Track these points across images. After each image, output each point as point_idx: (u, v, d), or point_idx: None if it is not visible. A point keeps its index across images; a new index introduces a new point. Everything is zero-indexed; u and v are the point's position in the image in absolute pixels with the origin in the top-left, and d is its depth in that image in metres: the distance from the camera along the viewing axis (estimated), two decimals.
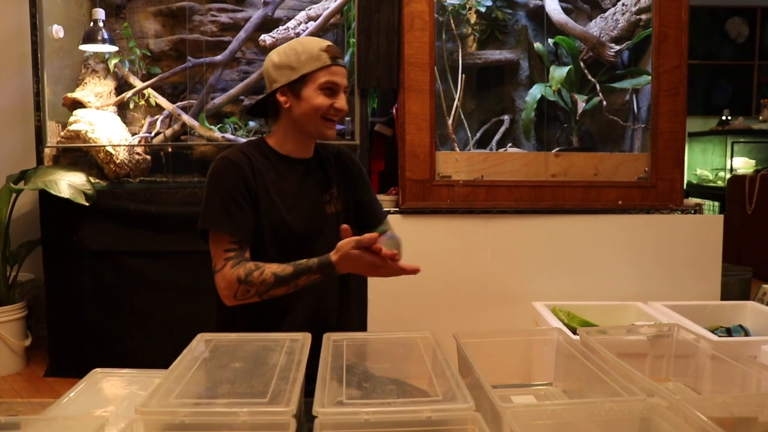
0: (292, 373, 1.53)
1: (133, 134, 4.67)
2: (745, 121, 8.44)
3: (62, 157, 4.57)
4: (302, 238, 2.27)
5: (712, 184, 8.27)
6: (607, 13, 4.38)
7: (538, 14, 4.39)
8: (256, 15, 4.63)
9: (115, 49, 4.58)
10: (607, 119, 4.41)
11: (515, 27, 4.45)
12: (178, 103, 4.66)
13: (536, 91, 4.40)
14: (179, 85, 4.76)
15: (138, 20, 4.74)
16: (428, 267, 4.01)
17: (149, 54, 4.73)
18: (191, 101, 4.67)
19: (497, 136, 4.42)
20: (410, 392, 1.72)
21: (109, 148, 4.41)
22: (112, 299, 4.38)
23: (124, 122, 4.68)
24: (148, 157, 4.66)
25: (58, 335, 4.49)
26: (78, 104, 4.53)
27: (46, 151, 4.49)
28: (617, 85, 4.41)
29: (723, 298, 4.18)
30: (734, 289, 4.62)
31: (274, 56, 2.31)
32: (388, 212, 2.72)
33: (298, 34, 4.52)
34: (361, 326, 3.97)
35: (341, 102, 2.30)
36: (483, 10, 4.34)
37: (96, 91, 4.60)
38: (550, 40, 4.40)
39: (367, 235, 2.06)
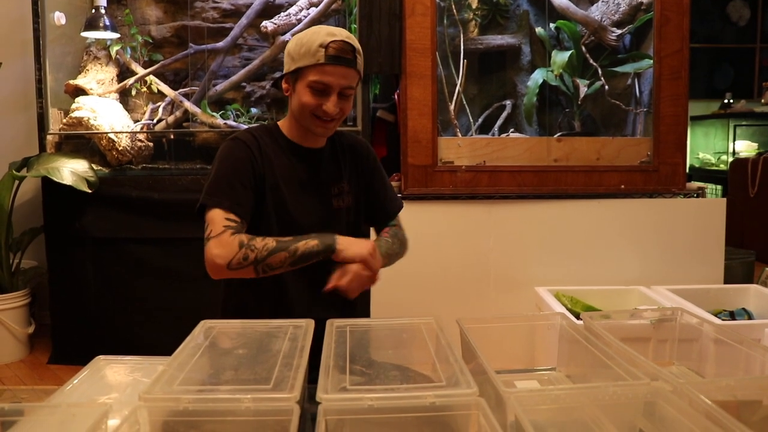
0: (295, 359, 1.53)
1: (135, 121, 4.67)
2: (748, 104, 8.42)
3: (64, 144, 4.57)
4: (305, 229, 2.21)
5: (714, 168, 8.26)
6: None
7: None
8: (257, 1, 4.63)
9: (116, 35, 4.58)
10: (609, 103, 4.40)
11: (516, 12, 4.44)
12: (180, 90, 4.66)
13: (538, 76, 4.40)
14: (181, 71, 4.76)
15: (140, 7, 4.74)
16: (431, 253, 4.04)
17: (151, 41, 4.73)
18: (193, 88, 4.67)
19: (499, 122, 4.42)
20: (414, 378, 1.72)
21: (112, 135, 4.41)
22: (115, 286, 4.39)
23: (126, 109, 4.68)
24: (151, 144, 4.66)
25: (62, 322, 4.50)
26: (80, 91, 4.53)
27: (49, 138, 4.50)
28: (619, 69, 4.40)
29: (726, 282, 4.18)
30: (737, 272, 4.61)
31: (291, 41, 2.26)
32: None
33: (299, 20, 4.51)
34: (364, 312, 3.97)
35: (329, 105, 2.20)
36: None
37: (98, 78, 4.60)
38: (552, 25, 4.39)
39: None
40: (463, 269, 4.11)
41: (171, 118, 4.64)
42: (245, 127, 4.42)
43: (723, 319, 3.48)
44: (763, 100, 8.41)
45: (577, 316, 3.11)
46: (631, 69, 4.38)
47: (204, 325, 1.82)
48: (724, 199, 4.28)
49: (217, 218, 2.14)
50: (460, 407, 1.36)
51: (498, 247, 4.11)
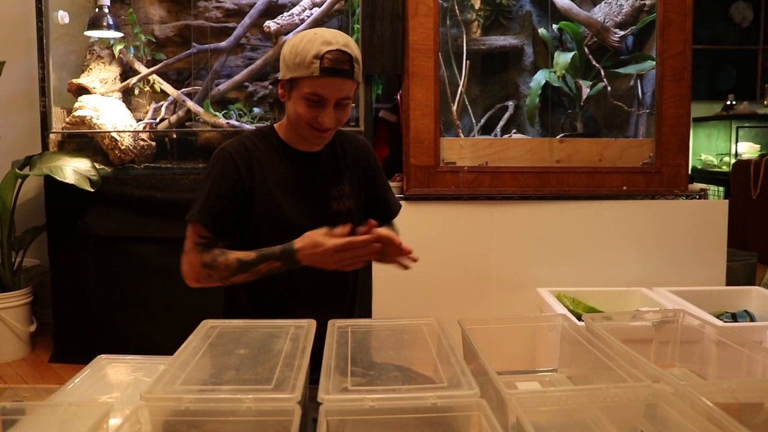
0: (296, 359, 1.53)
1: (138, 120, 4.68)
2: (750, 105, 8.40)
3: (67, 142, 4.58)
4: (303, 233, 2.18)
5: (716, 169, 8.24)
6: None
7: (542, 0, 4.38)
8: (260, 1, 4.63)
9: (120, 35, 4.59)
10: (611, 105, 4.40)
11: (519, 12, 4.44)
12: (183, 90, 4.67)
13: (540, 77, 4.40)
14: (184, 71, 4.76)
15: (143, 6, 4.74)
16: (432, 253, 4.04)
17: (154, 40, 4.74)
18: (196, 87, 4.67)
19: (501, 122, 4.42)
20: (415, 379, 1.72)
21: (114, 134, 4.42)
22: (117, 285, 4.40)
23: (129, 108, 4.69)
24: (153, 143, 4.66)
25: (63, 321, 4.51)
26: (83, 90, 4.53)
27: (52, 136, 4.50)
28: (622, 70, 4.40)
29: (728, 284, 4.17)
30: (739, 274, 4.61)
31: (285, 45, 2.21)
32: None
33: (302, 20, 4.51)
34: (366, 313, 3.97)
35: (324, 117, 2.15)
36: None
37: (101, 77, 4.60)
38: (555, 26, 4.39)
39: (339, 230, 2.08)
40: (464, 270, 4.11)
41: (173, 118, 4.65)
42: (248, 126, 4.44)
43: (725, 321, 3.48)
44: (765, 102, 8.40)
45: (579, 318, 3.11)
46: (633, 70, 4.38)
47: (205, 324, 1.82)
48: (727, 200, 4.28)
49: (191, 234, 2.25)
50: (461, 408, 1.36)
51: (500, 248, 4.11)
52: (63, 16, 4.54)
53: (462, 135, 4.27)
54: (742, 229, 6.86)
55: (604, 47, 4.40)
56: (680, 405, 1.34)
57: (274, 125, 2.38)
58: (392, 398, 1.37)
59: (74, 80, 4.56)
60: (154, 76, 4.67)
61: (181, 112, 4.65)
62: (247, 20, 4.63)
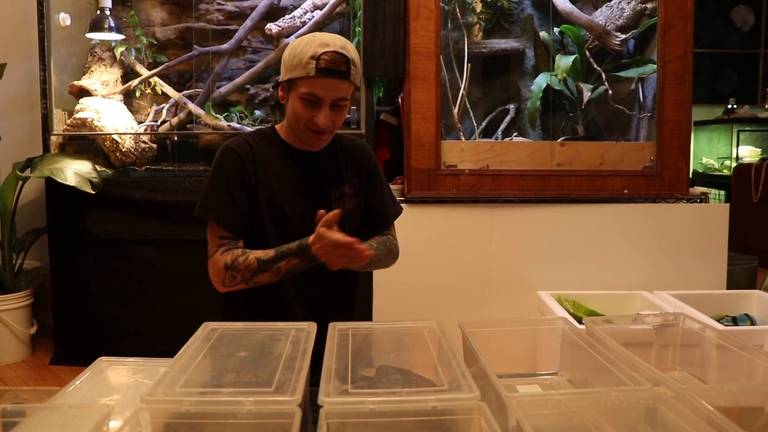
0: (297, 362, 1.54)
1: (139, 122, 4.68)
2: (751, 109, 8.41)
3: (68, 145, 4.58)
4: (304, 233, 2.17)
5: (717, 173, 8.25)
6: (612, 2, 4.37)
7: (544, 3, 4.38)
8: (262, 4, 4.64)
9: (121, 37, 4.59)
10: (612, 108, 4.40)
11: (521, 16, 4.44)
12: (184, 92, 4.67)
13: (542, 80, 4.39)
14: (185, 73, 4.76)
15: (144, 8, 4.75)
16: (433, 256, 4.04)
17: (155, 42, 4.74)
18: (197, 90, 4.68)
19: (503, 125, 4.42)
20: (416, 381, 1.72)
21: (115, 137, 4.42)
22: (118, 287, 4.40)
23: (130, 110, 4.69)
24: (154, 145, 4.67)
25: (64, 323, 4.51)
26: (84, 92, 4.54)
27: (53, 138, 4.50)
28: (623, 74, 4.40)
29: (729, 287, 4.17)
30: (740, 278, 4.61)
31: (286, 49, 2.23)
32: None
33: (304, 23, 4.52)
34: (366, 315, 3.97)
35: (320, 117, 2.17)
36: None
37: (102, 79, 4.61)
38: (556, 29, 4.39)
39: (331, 213, 2.06)
40: (465, 273, 4.11)
41: (175, 120, 4.66)
42: (249, 129, 4.43)
43: (725, 325, 3.47)
44: (766, 106, 8.40)
45: (580, 321, 3.11)
46: (634, 74, 4.38)
47: (206, 327, 1.82)
48: (727, 204, 4.28)
49: (211, 236, 2.24)
50: (461, 411, 1.37)
51: (500, 251, 4.11)
52: (64, 19, 4.54)
53: (463, 138, 4.27)
54: (743, 232, 6.86)
55: (606, 51, 4.40)
56: (681, 408, 1.34)
57: (276, 126, 2.40)
58: (393, 401, 1.37)
59: (75, 82, 4.56)
60: (156, 79, 4.68)
61: (182, 115, 4.65)
62: (248, 23, 4.64)
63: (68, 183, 4.13)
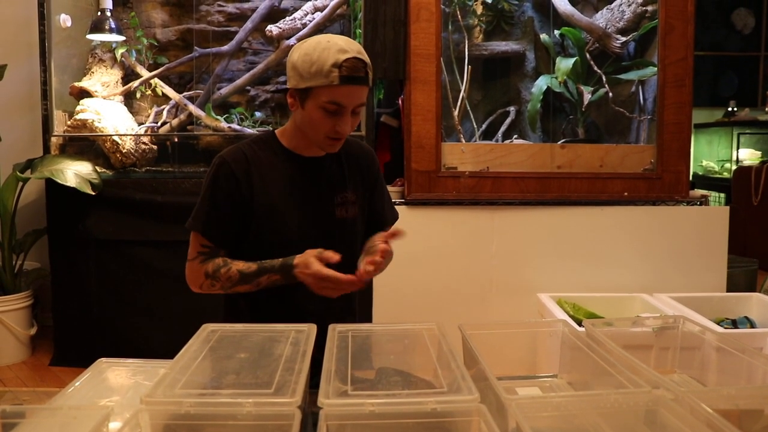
0: (297, 364, 1.54)
1: (140, 124, 4.68)
2: (752, 112, 8.41)
3: (69, 146, 4.58)
4: (307, 240, 2.19)
5: (717, 176, 8.25)
6: (613, 5, 4.37)
7: (545, 5, 4.38)
8: (262, 5, 4.64)
9: (122, 38, 4.59)
10: (612, 111, 4.40)
11: (521, 18, 4.44)
12: (185, 93, 4.67)
13: (542, 83, 4.40)
14: (186, 74, 4.77)
15: (145, 10, 4.75)
16: (433, 258, 4.04)
17: (156, 44, 4.74)
18: (198, 91, 4.68)
19: (503, 128, 4.42)
20: (415, 384, 1.72)
21: (116, 138, 4.42)
22: (118, 288, 4.40)
23: (131, 112, 4.70)
24: (155, 146, 4.67)
25: (64, 324, 4.51)
26: (85, 93, 4.54)
27: (53, 140, 4.50)
28: (623, 76, 4.40)
29: (729, 290, 4.17)
30: (740, 280, 4.61)
31: (294, 54, 2.15)
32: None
33: (304, 25, 4.52)
34: (366, 317, 3.97)
35: (342, 125, 2.14)
36: (489, 1, 4.33)
37: (103, 80, 4.61)
38: (557, 32, 4.39)
39: (330, 253, 2.06)
40: (465, 275, 4.11)
41: (175, 121, 4.66)
42: (249, 131, 4.44)
43: (725, 328, 3.48)
44: (767, 109, 8.40)
45: (579, 323, 3.11)
46: (635, 76, 4.38)
47: (206, 328, 1.82)
48: (728, 207, 4.28)
49: (194, 243, 2.27)
50: (461, 413, 1.37)
51: (500, 253, 4.11)
52: (65, 20, 4.55)
53: (463, 140, 4.27)
54: (743, 235, 6.86)
55: (606, 53, 4.40)
56: (680, 411, 1.34)
57: (276, 131, 2.35)
58: (392, 403, 1.37)
59: (76, 83, 4.57)
60: (156, 80, 4.68)
61: (182, 116, 4.65)
62: (249, 24, 4.64)
63: (68, 184, 4.13)
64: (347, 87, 2.09)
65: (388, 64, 4.07)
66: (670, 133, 4.16)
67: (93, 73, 4.65)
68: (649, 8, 4.29)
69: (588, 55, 4.38)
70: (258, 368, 1.56)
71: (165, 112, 4.69)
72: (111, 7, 4.45)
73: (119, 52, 4.66)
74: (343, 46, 2.09)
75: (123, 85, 4.71)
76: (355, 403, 1.36)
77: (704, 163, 8.55)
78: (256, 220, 2.24)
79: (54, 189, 4.31)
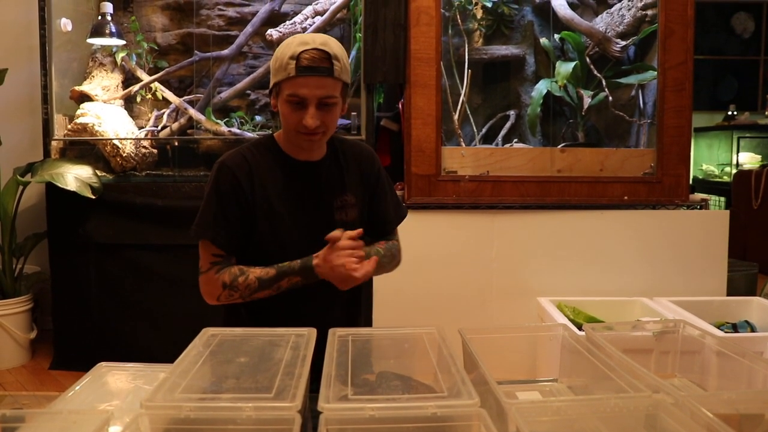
0: (297, 368, 1.53)
1: (140, 128, 4.68)
2: (751, 116, 8.41)
3: (69, 150, 4.58)
4: (306, 245, 2.19)
5: (717, 180, 8.25)
6: (613, 9, 4.37)
7: (545, 10, 4.38)
8: (263, 9, 4.64)
9: (122, 42, 4.60)
10: (612, 115, 4.40)
11: (521, 22, 4.44)
12: (185, 97, 4.67)
13: (542, 87, 4.40)
14: (186, 78, 4.77)
15: (145, 14, 4.75)
16: (434, 262, 4.04)
17: (156, 48, 4.75)
18: (198, 95, 4.68)
19: (503, 132, 4.41)
20: (415, 388, 1.72)
21: (116, 142, 4.42)
22: (118, 292, 4.40)
23: (131, 116, 4.70)
24: (155, 150, 4.67)
25: (64, 328, 4.51)
26: (85, 97, 4.54)
27: (53, 143, 4.51)
28: (623, 80, 4.40)
29: (729, 294, 4.17)
30: (740, 284, 4.61)
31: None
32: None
33: (304, 29, 4.52)
34: (367, 321, 3.96)
35: (307, 118, 2.10)
36: (489, 5, 4.33)
37: (103, 84, 4.61)
38: (556, 36, 4.39)
39: (336, 232, 2.10)
40: (465, 279, 4.10)
41: (175, 125, 4.66)
42: (249, 135, 4.44)
43: (725, 332, 3.48)
44: (767, 113, 8.41)
45: (579, 327, 3.11)
46: (635, 80, 4.38)
47: (206, 332, 1.82)
48: (728, 211, 4.28)
49: (204, 253, 2.22)
50: (461, 418, 1.36)
51: (501, 257, 4.11)
52: (65, 24, 4.55)
53: (463, 144, 4.27)
54: (743, 239, 6.86)
55: (606, 57, 4.40)
56: (680, 416, 1.34)
57: (274, 135, 2.35)
58: (392, 407, 1.37)
59: (76, 87, 4.57)
60: (156, 84, 4.68)
61: (182, 120, 4.65)
62: (249, 28, 4.64)
63: (69, 188, 4.13)
64: (305, 78, 2.08)
65: (388, 68, 4.07)
66: (670, 136, 4.17)
67: (93, 77, 4.65)
68: (649, 12, 4.30)
69: (588, 59, 4.38)
70: (258, 372, 1.56)
71: (165, 116, 4.69)
72: (111, 12, 4.46)
73: (119, 56, 4.67)
74: (305, 40, 2.10)
75: (123, 89, 4.71)
76: (355, 407, 1.36)
77: (704, 166, 8.55)
78: (258, 224, 2.23)
79: (54, 193, 4.32)
